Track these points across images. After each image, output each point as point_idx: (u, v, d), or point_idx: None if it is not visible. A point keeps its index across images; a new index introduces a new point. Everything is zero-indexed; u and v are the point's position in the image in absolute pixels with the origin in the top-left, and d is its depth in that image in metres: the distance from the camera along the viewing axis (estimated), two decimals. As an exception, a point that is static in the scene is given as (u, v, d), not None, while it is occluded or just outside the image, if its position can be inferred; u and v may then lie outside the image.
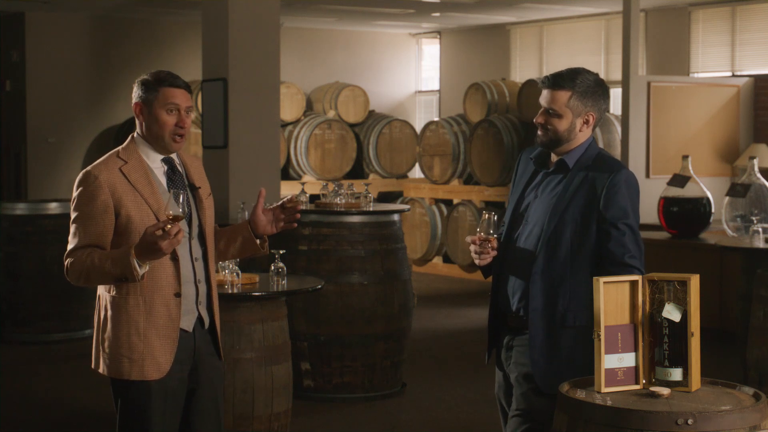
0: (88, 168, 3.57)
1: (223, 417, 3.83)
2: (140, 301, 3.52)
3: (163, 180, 3.62)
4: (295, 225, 3.81)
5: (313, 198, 7.33)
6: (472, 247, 3.64)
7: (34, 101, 13.09)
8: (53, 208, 8.61)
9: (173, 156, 3.66)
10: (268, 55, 9.11)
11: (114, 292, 3.54)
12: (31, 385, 7.22)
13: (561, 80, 3.57)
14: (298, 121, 13.45)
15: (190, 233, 3.62)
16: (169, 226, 3.29)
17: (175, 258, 3.54)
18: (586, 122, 3.60)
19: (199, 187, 3.69)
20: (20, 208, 8.64)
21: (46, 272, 8.43)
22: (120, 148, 3.63)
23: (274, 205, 3.80)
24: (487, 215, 3.64)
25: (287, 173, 13.15)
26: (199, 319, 3.65)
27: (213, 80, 9.06)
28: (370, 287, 6.67)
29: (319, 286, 5.50)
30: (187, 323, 3.61)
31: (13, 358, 8.04)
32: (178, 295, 3.55)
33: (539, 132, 3.63)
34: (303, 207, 6.98)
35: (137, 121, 3.64)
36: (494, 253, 3.64)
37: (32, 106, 13.09)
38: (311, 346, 6.64)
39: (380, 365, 6.73)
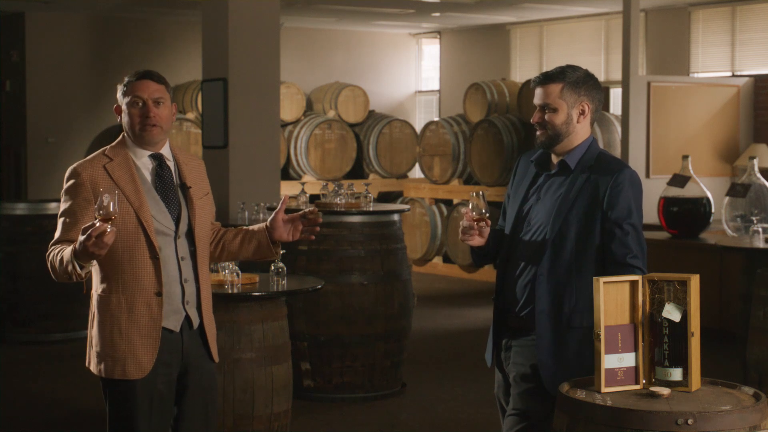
0: (74, 165, 3.59)
1: (215, 421, 3.78)
2: (122, 299, 3.52)
3: (150, 177, 3.60)
4: (313, 237, 3.75)
5: (313, 198, 7.34)
6: (464, 223, 3.63)
7: (34, 101, 13.09)
8: (53, 208, 8.59)
9: (163, 152, 3.64)
10: (268, 55, 9.11)
11: (100, 291, 3.56)
12: (31, 385, 7.22)
13: (551, 75, 3.60)
14: (298, 121, 13.45)
15: (176, 232, 3.59)
16: (97, 225, 3.25)
17: (155, 257, 3.52)
18: (582, 113, 3.60)
19: (190, 187, 3.66)
20: (20, 208, 8.64)
21: (46, 272, 8.37)
22: (108, 146, 3.65)
23: (296, 214, 3.74)
24: (475, 195, 3.63)
25: (287, 173, 13.15)
26: (188, 319, 3.62)
27: (213, 80, 9.06)
28: (370, 287, 6.67)
29: (319, 286, 5.50)
30: (173, 323, 3.58)
31: (13, 358, 8.04)
32: (159, 294, 3.53)
33: (538, 132, 3.63)
34: (302, 207, 6.99)
35: (121, 122, 3.66)
36: (487, 231, 3.64)
37: (32, 106, 13.09)
38: (311, 346, 6.64)
39: (380, 365, 6.73)
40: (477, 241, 3.65)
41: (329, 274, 6.58)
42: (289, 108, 13.32)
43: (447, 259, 12.76)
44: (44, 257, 3.63)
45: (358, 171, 13.65)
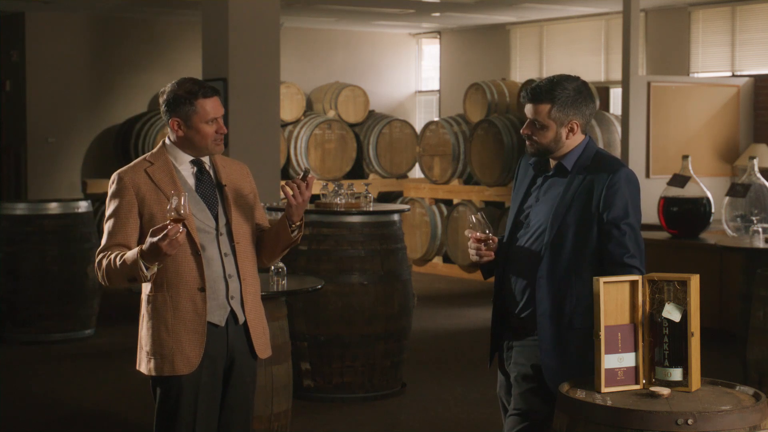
0: (117, 171, 3.71)
1: (251, 416, 3.88)
2: (167, 297, 3.63)
3: (191, 180, 3.72)
4: (293, 201, 3.66)
5: (313, 198, 7.33)
6: (473, 245, 3.66)
7: (34, 101, 13.09)
8: (53, 208, 8.60)
9: (202, 158, 3.76)
10: (268, 55, 9.11)
11: (147, 291, 3.68)
12: (31, 385, 7.22)
13: (540, 94, 3.57)
14: (298, 121, 13.45)
15: (217, 229, 3.70)
16: (169, 226, 3.37)
17: (197, 253, 3.63)
18: (572, 130, 3.59)
19: (225, 185, 3.76)
20: (20, 208, 8.64)
21: (46, 272, 8.42)
22: (149, 153, 3.77)
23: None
24: (474, 217, 3.68)
25: (287, 173, 13.15)
26: (233, 314, 3.72)
27: (213, 80, 9.06)
28: (370, 287, 6.67)
29: (319, 286, 5.50)
30: (218, 318, 3.68)
31: (13, 358, 8.04)
32: (202, 289, 3.64)
33: (527, 143, 3.64)
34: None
35: (172, 133, 3.73)
36: (495, 248, 3.66)
37: (32, 106, 13.08)
38: (311, 346, 6.64)
39: (380, 365, 6.73)
40: (488, 258, 3.68)
41: (329, 274, 6.58)
42: (289, 108, 13.32)
43: (447, 259, 12.76)
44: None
45: (358, 171, 13.65)
